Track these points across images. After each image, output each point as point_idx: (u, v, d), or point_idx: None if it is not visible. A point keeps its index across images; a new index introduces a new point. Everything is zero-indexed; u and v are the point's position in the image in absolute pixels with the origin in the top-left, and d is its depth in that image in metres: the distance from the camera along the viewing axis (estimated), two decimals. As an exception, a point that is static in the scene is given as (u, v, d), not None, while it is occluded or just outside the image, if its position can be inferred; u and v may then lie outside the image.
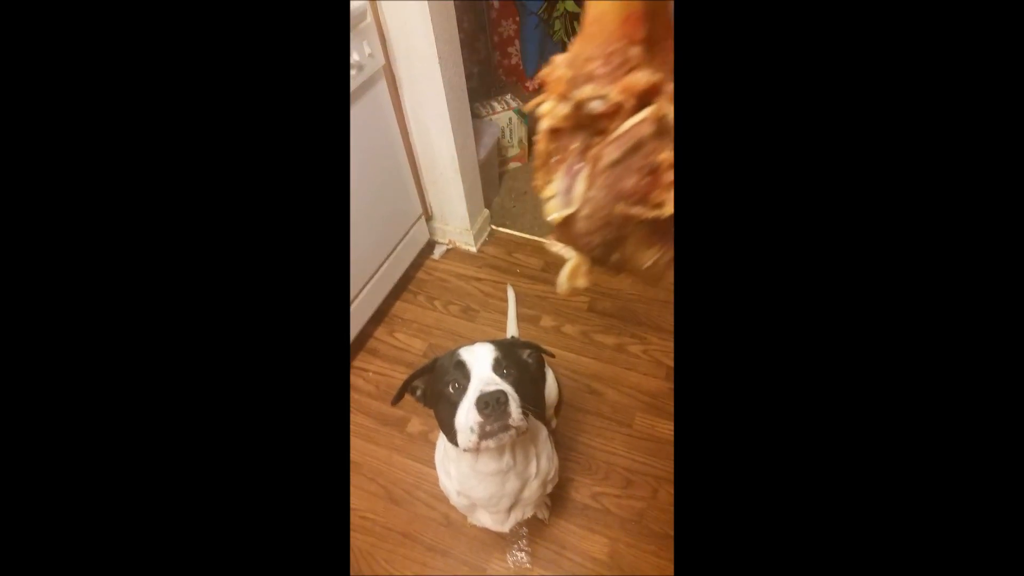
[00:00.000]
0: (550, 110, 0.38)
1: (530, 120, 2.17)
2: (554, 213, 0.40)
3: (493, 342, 0.87)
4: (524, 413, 0.78)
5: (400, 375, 1.56)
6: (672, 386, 1.47)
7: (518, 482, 0.94)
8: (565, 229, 0.41)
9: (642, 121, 0.36)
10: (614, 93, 0.35)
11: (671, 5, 0.36)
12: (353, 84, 1.26)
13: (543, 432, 1.02)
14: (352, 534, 1.28)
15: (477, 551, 1.24)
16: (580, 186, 0.38)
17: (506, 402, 0.75)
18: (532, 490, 0.98)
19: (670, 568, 1.19)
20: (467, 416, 0.77)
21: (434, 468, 1.05)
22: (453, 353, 0.86)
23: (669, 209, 0.37)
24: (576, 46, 0.37)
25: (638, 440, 1.38)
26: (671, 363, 1.52)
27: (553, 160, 0.40)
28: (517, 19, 2.35)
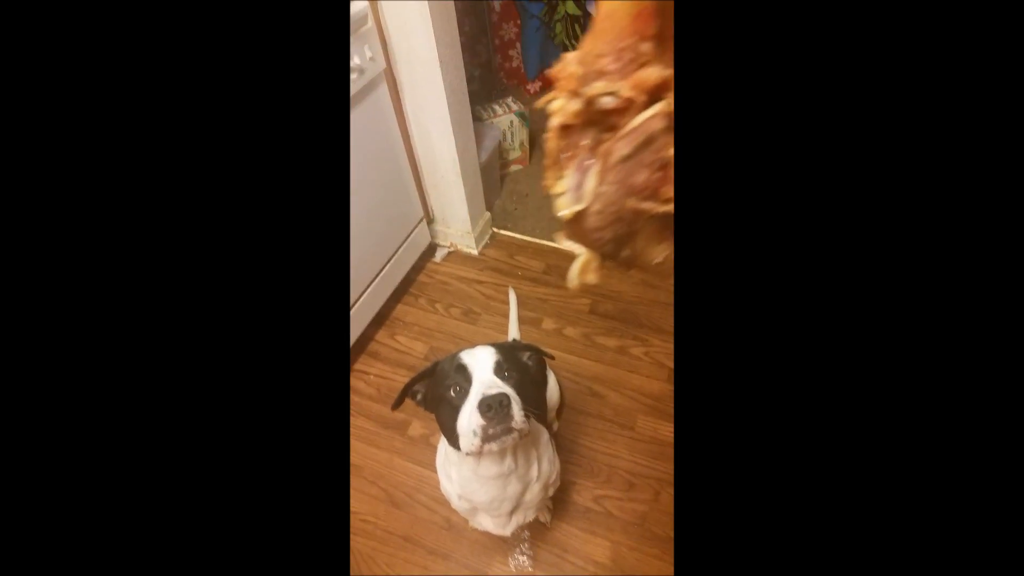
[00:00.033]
0: (560, 107, 0.38)
1: (531, 123, 2.17)
2: (564, 209, 0.40)
3: (494, 345, 0.87)
4: (526, 416, 0.78)
5: (401, 378, 1.56)
6: (674, 388, 1.46)
7: (519, 485, 0.94)
8: (575, 225, 0.41)
9: (653, 116, 0.36)
10: (625, 89, 0.35)
11: None
12: (354, 88, 1.26)
13: (544, 435, 1.01)
14: (353, 538, 1.28)
15: (479, 555, 1.24)
16: (591, 182, 0.38)
17: (509, 405, 0.75)
18: (533, 493, 0.97)
19: (673, 571, 1.18)
20: (469, 419, 0.77)
21: (435, 471, 1.04)
22: (454, 356, 0.85)
23: None
24: (587, 43, 0.37)
25: (640, 443, 1.38)
26: (673, 365, 1.51)
27: (564, 157, 0.40)
28: (518, 22, 2.36)
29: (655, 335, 1.59)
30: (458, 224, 1.83)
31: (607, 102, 0.36)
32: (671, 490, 1.29)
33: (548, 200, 1.94)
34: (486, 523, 1.03)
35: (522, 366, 0.89)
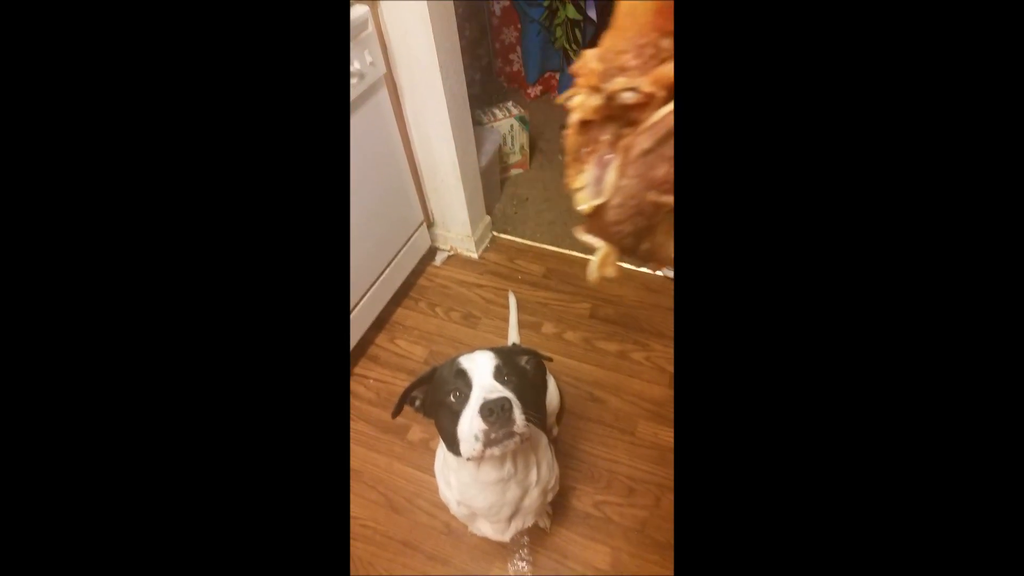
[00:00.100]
0: (581, 103, 0.39)
1: (531, 127, 2.17)
2: (584, 203, 0.41)
3: (493, 349, 0.87)
4: (526, 420, 0.77)
5: (401, 382, 1.56)
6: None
7: (519, 491, 0.93)
8: (595, 219, 0.42)
9: (674, 111, 0.36)
10: (646, 84, 0.36)
11: None
12: (354, 92, 1.26)
13: (543, 440, 1.01)
14: (352, 542, 1.27)
15: (478, 560, 1.23)
16: (611, 176, 0.39)
17: (510, 409, 0.75)
18: (533, 499, 0.97)
19: (673, 578, 1.18)
20: (470, 424, 0.76)
21: (435, 476, 1.04)
22: (453, 362, 0.85)
23: None
24: (607, 40, 0.37)
25: (641, 448, 1.37)
26: (674, 370, 1.51)
27: (584, 152, 0.40)
28: (518, 26, 2.37)
29: (656, 340, 1.59)
30: (458, 228, 1.83)
31: (628, 97, 0.37)
32: (672, 496, 1.28)
33: (548, 204, 1.94)
34: (485, 529, 1.02)
35: (521, 370, 0.89)
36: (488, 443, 0.75)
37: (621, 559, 1.21)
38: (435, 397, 0.86)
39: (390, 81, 1.44)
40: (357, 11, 1.23)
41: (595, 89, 0.38)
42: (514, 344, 1.50)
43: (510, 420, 0.75)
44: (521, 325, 1.61)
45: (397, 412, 0.90)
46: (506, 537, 1.02)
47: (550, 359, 1.00)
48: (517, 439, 0.76)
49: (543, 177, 2.18)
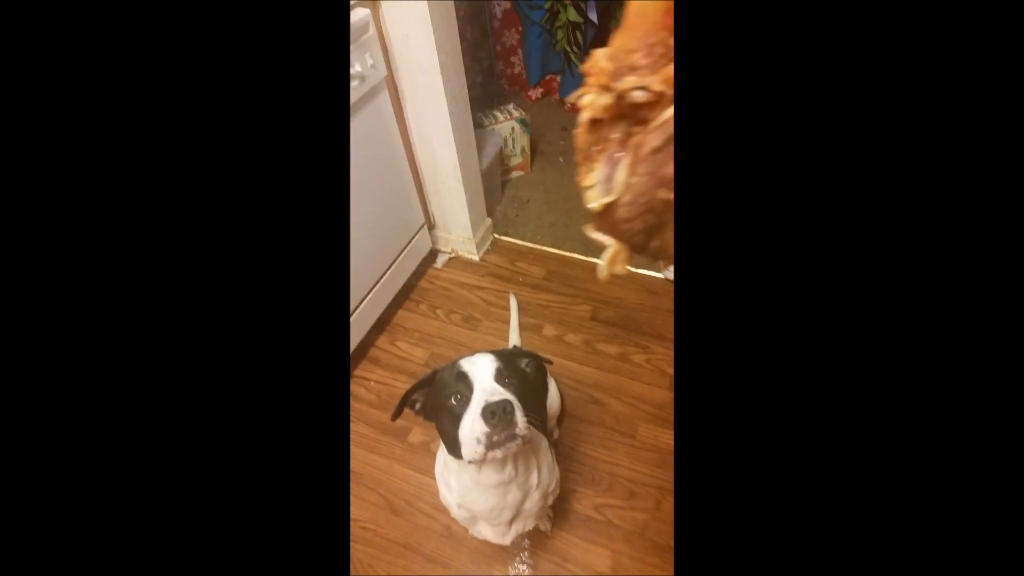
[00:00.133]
0: (591, 101, 0.39)
1: (532, 129, 2.17)
2: (594, 201, 0.41)
3: (493, 352, 0.87)
4: (528, 422, 0.77)
5: (401, 384, 1.55)
6: (675, 396, 1.46)
7: (519, 493, 0.93)
8: (605, 217, 0.42)
9: (674, 113, 0.37)
10: (656, 83, 0.36)
11: None
12: (355, 95, 1.26)
13: (544, 443, 1.01)
14: (352, 545, 1.27)
15: (478, 563, 1.23)
16: (621, 174, 0.39)
17: (512, 411, 0.75)
18: (533, 502, 0.97)
19: (674, 581, 1.17)
20: (472, 427, 0.76)
21: (435, 479, 1.04)
22: (453, 364, 0.85)
23: None
24: (617, 39, 0.38)
25: (641, 451, 1.37)
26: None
27: (594, 150, 0.41)
28: (519, 29, 2.37)
29: (657, 342, 1.59)
30: (459, 230, 1.83)
31: (638, 96, 0.37)
32: (672, 499, 1.28)
33: (549, 206, 1.94)
34: (486, 532, 1.02)
35: (522, 373, 0.89)
36: (490, 446, 0.75)
37: (622, 562, 1.21)
38: (436, 400, 0.85)
39: (391, 84, 1.44)
40: (358, 14, 1.23)
41: (605, 88, 0.38)
42: (515, 347, 1.50)
43: (512, 422, 0.75)
44: (522, 327, 1.61)
45: (397, 415, 0.90)
46: (507, 540, 1.02)
47: (550, 362, 1.00)
48: (519, 441, 0.76)
49: (544, 179, 2.18)
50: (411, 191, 1.63)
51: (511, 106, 2.10)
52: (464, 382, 0.81)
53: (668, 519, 1.26)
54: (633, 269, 1.77)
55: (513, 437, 0.75)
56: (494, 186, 2.02)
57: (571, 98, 0.42)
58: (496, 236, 1.95)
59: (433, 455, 1.30)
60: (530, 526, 1.04)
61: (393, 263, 1.62)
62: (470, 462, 0.79)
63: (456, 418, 0.79)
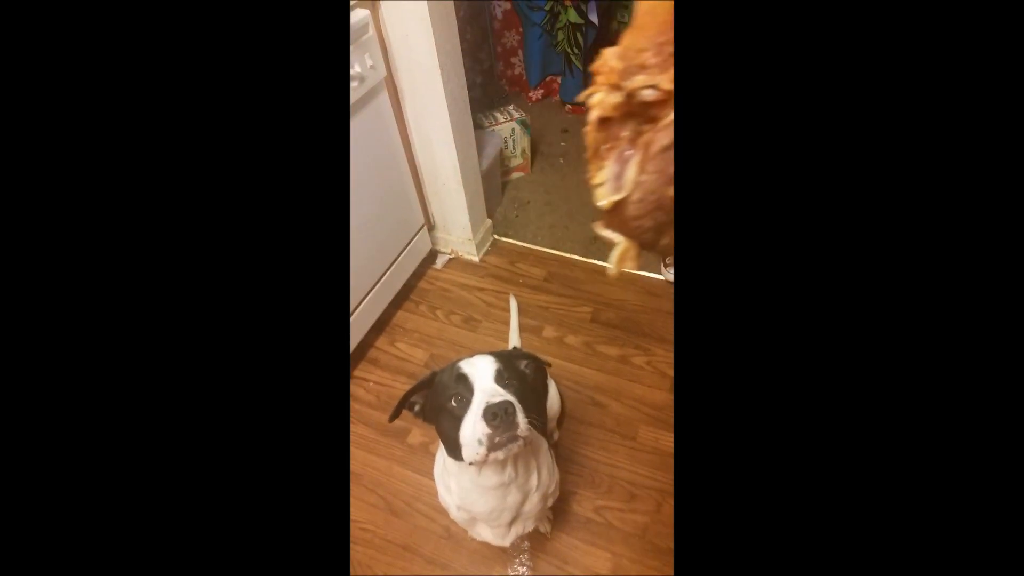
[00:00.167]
0: (600, 100, 0.39)
1: (532, 130, 2.17)
2: (604, 199, 0.41)
3: (493, 353, 0.87)
4: (529, 423, 0.78)
5: (401, 385, 1.55)
6: (676, 398, 1.45)
7: (519, 495, 0.93)
8: (615, 214, 0.42)
9: (674, 116, 0.37)
10: (666, 81, 0.36)
11: None
12: (355, 96, 1.26)
13: (544, 444, 1.01)
14: (351, 546, 1.27)
15: (478, 565, 1.23)
16: (631, 172, 0.39)
17: (514, 412, 0.75)
18: (533, 503, 0.97)
19: (674, 584, 1.16)
20: (473, 429, 0.76)
21: (434, 480, 1.03)
22: (453, 366, 0.85)
23: None
24: (626, 38, 0.38)
25: (642, 453, 1.37)
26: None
27: (603, 148, 0.41)
28: (520, 30, 2.37)
29: (657, 344, 1.58)
30: (459, 231, 1.83)
31: (648, 95, 0.37)
32: (673, 501, 1.28)
33: (549, 207, 1.94)
34: (485, 534, 1.02)
35: (522, 374, 0.89)
36: (492, 447, 0.75)
37: (622, 564, 1.20)
38: (436, 402, 0.85)
39: (391, 84, 1.44)
40: (357, 15, 1.23)
41: (615, 87, 0.38)
42: (515, 348, 1.49)
43: (513, 424, 0.75)
44: (522, 329, 1.61)
45: (394, 417, 0.90)
46: (506, 542, 1.01)
47: (549, 364, 1.00)
48: (520, 442, 0.76)
49: (544, 181, 2.18)
50: (411, 192, 1.63)
51: (511, 107, 2.10)
52: (464, 384, 0.81)
53: (668, 522, 1.25)
54: (633, 271, 1.76)
55: (514, 438, 0.76)
56: (494, 187, 2.02)
57: (580, 97, 0.42)
58: (496, 237, 1.95)
59: (432, 456, 1.30)
60: (530, 528, 1.03)
61: (393, 264, 1.62)
62: (471, 464, 0.79)
63: (456, 420, 0.79)
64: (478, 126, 1.96)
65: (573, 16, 2.20)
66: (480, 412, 0.75)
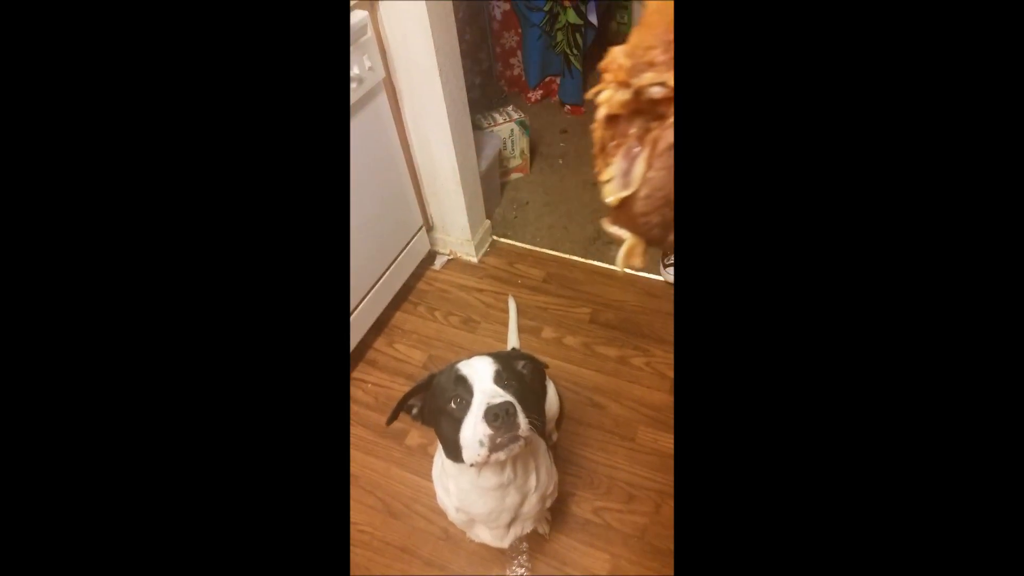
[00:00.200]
0: (608, 98, 0.40)
1: (531, 131, 2.17)
2: (611, 195, 0.42)
3: (490, 354, 0.87)
4: (530, 423, 0.78)
5: (399, 386, 1.55)
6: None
7: (518, 496, 0.93)
8: (622, 211, 0.42)
9: (674, 119, 0.37)
10: (673, 79, 0.37)
11: None
12: (353, 97, 1.26)
13: (542, 445, 1.01)
14: (350, 548, 1.27)
15: (476, 566, 1.22)
16: (639, 168, 0.40)
17: (515, 413, 0.76)
18: (531, 504, 0.97)
19: (673, 585, 1.16)
20: (475, 430, 0.76)
21: (432, 482, 1.03)
22: (451, 368, 0.85)
23: None
24: (635, 36, 0.38)
25: (641, 454, 1.37)
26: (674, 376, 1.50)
27: (611, 145, 0.42)
28: (519, 30, 2.37)
29: (656, 345, 1.58)
30: (458, 232, 1.82)
31: (656, 92, 0.37)
32: (672, 502, 1.28)
33: (548, 208, 1.94)
34: (484, 535, 1.02)
35: (520, 375, 0.89)
36: (494, 448, 0.76)
37: (621, 566, 1.20)
38: (435, 404, 0.85)
39: (389, 86, 1.44)
40: (356, 16, 1.23)
41: (623, 84, 0.39)
42: (513, 349, 1.49)
43: (515, 424, 0.75)
44: (521, 330, 1.61)
45: (392, 420, 0.90)
46: (505, 543, 1.01)
47: (546, 364, 1.00)
48: (521, 442, 0.77)
49: (543, 181, 2.18)
50: (409, 193, 1.63)
51: (510, 108, 2.10)
52: (463, 386, 0.81)
53: (667, 523, 1.25)
54: (632, 272, 1.76)
55: (516, 438, 0.76)
56: (493, 188, 2.02)
57: (589, 94, 0.42)
58: (495, 238, 1.95)
59: (430, 458, 1.29)
60: (528, 529, 1.03)
61: (391, 265, 1.61)
62: (472, 465, 0.79)
63: (456, 422, 0.79)
64: (477, 127, 1.96)
65: (572, 17, 2.19)
66: (481, 413, 0.76)
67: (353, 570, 1.23)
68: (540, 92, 2.54)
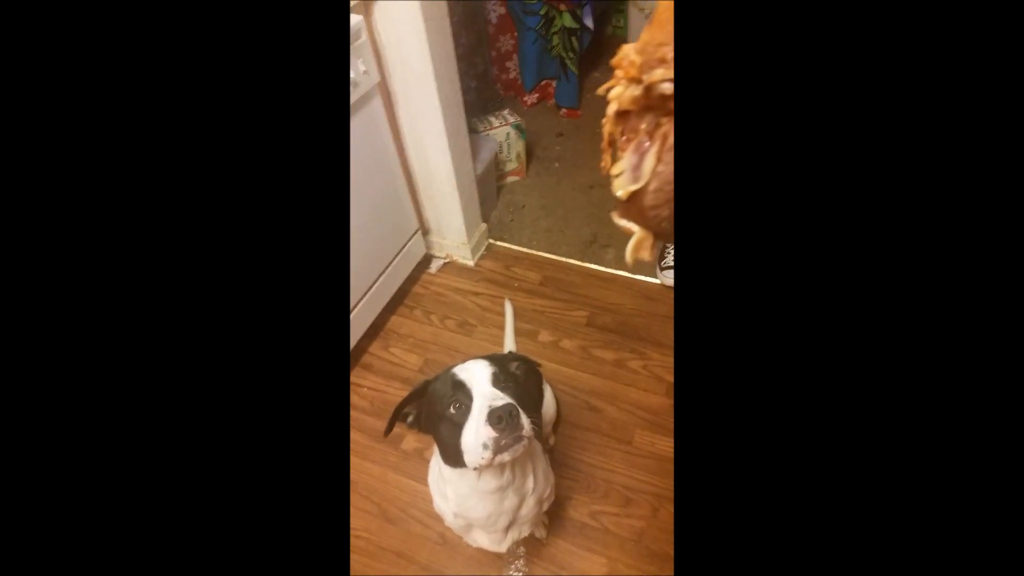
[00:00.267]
0: (619, 94, 0.41)
1: (528, 135, 2.17)
2: (621, 189, 0.43)
3: (485, 357, 0.87)
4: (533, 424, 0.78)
5: (395, 391, 1.54)
6: (673, 402, 1.45)
7: (516, 498, 0.93)
8: (631, 204, 0.43)
9: (674, 119, 0.38)
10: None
11: None
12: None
13: (538, 447, 1.01)
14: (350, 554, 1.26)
15: (473, 570, 1.22)
16: (649, 162, 0.41)
17: (518, 414, 0.76)
18: (529, 507, 0.97)
19: (671, 589, 1.16)
20: (476, 434, 0.77)
21: (429, 487, 1.03)
22: (447, 374, 0.85)
23: None
24: (646, 34, 0.39)
25: (638, 458, 1.36)
26: (671, 379, 1.50)
27: (622, 140, 0.43)
28: (515, 34, 2.37)
29: (653, 348, 1.58)
30: (454, 235, 1.82)
31: (667, 88, 0.38)
32: (669, 506, 1.27)
33: (545, 211, 1.94)
34: (481, 540, 1.02)
35: (515, 376, 0.89)
36: (498, 449, 0.76)
37: (617, 570, 1.20)
38: (432, 411, 0.85)
39: (384, 89, 1.44)
40: (351, 19, 1.23)
41: (634, 80, 0.39)
42: (510, 352, 1.49)
43: (518, 425, 0.76)
44: (517, 333, 1.61)
45: (389, 431, 0.90)
46: (503, 548, 1.01)
47: (539, 364, 1.00)
48: (525, 442, 0.77)
49: (540, 185, 2.18)
50: (404, 196, 1.62)
51: (506, 111, 2.10)
52: (462, 390, 0.81)
53: (664, 526, 1.25)
54: (629, 275, 1.76)
55: (520, 439, 0.76)
56: (489, 191, 2.02)
57: (600, 91, 0.44)
58: (491, 241, 1.94)
59: (426, 462, 1.29)
60: (526, 533, 1.03)
61: (387, 268, 1.61)
62: (475, 468, 0.80)
63: (457, 427, 0.79)
64: (473, 130, 1.96)
65: (568, 21, 2.20)
66: (484, 417, 0.76)
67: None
68: (536, 96, 2.55)
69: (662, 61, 0.38)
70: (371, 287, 1.56)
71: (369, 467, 1.40)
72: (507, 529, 0.98)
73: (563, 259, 1.86)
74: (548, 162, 2.27)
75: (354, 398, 1.54)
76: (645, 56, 0.39)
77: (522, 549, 1.23)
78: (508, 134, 2.07)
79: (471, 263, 1.87)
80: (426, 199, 1.75)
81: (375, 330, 1.67)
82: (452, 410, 0.81)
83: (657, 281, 1.73)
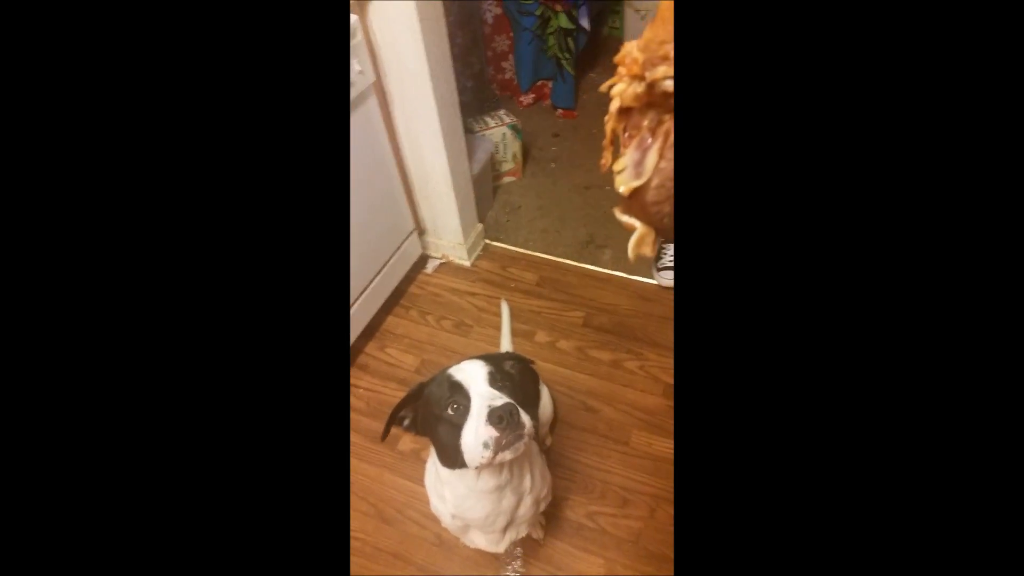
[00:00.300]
0: (622, 91, 0.41)
1: (524, 135, 2.17)
2: (623, 185, 0.43)
3: (480, 357, 0.86)
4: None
5: (391, 391, 1.54)
6: (670, 403, 1.45)
7: (514, 498, 0.93)
8: (634, 200, 0.44)
9: (674, 120, 0.39)
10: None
11: None
12: (345, 99, 1.25)
13: (534, 447, 1.01)
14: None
15: (470, 572, 1.22)
16: (651, 159, 0.41)
17: (518, 413, 0.76)
18: (526, 507, 0.96)
19: (668, 590, 1.16)
20: (476, 434, 0.77)
21: (425, 488, 1.02)
22: (443, 375, 0.84)
23: None
24: (649, 32, 0.40)
25: (635, 458, 1.36)
26: (669, 380, 1.50)
27: (624, 137, 0.43)
28: (511, 35, 2.37)
29: (650, 349, 1.58)
30: (450, 236, 1.82)
31: (669, 85, 0.38)
32: (667, 507, 1.27)
33: (541, 212, 1.93)
34: (479, 540, 1.01)
35: (510, 375, 0.89)
36: (499, 448, 0.76)
37: (615, 570, 1.20)
38: (430, 413, 0.85)
39: (379, 89, 1.43)
40: (348, 19, 1.23)
41: (637, 77, 0.40)
42: (507, 352, 1.49)
43: (519, 423, 0.76)
44: (514, 334, 1.60)
45: (386, 435, 0.90)
46: (500, 548, 1.01)
47: (532, 362, 1.00)
48: (525, 440, 0.77)
49: (536, 185, 2.17)
50: (400, 196, 1.62)
51: (502, 112, 2.10)
52: (459, 391, 0.81)
53: (662, 527, 1.25)
54: (626, 275, 1.76)
55: (520, 437, 0.77)
56: (485, 192, 2.02)
57: (603, 87, 0.44)
58: (487, 242, 1.94)
59: (423, 463, 1.28)
60: (523, 534, 1.03)
61: (382, 268, 1.61)
62: (475, 468, 0.80)
63: (456, 428, 0.79)
64: (469, 131, 1.96)
65: (564, 21, 2.20)
66: (483, 417, 0.76)
67: (345, 577, 1.22)
68: (532, 96, 2.55)
69: (664, 58, 0.38)
70: (367, 287, 1.55)
71: (365, 468, 1.39)
72: (505, 529, 0.98)
73: (559, 259, 1.86)
74: (544, 162, 2.27)
75: (350, 399, 1.54)
76: (648, 53, 0.39)
77: (519, 550, 1.22)
78: (504, 134, 2.07)
79: (467, 263, 1.87)
80: (422, 199, 1.74)
81: (371, 331, 1.67)
82: (450, 411, 0.80)
83: (654, 282, 1.73)
